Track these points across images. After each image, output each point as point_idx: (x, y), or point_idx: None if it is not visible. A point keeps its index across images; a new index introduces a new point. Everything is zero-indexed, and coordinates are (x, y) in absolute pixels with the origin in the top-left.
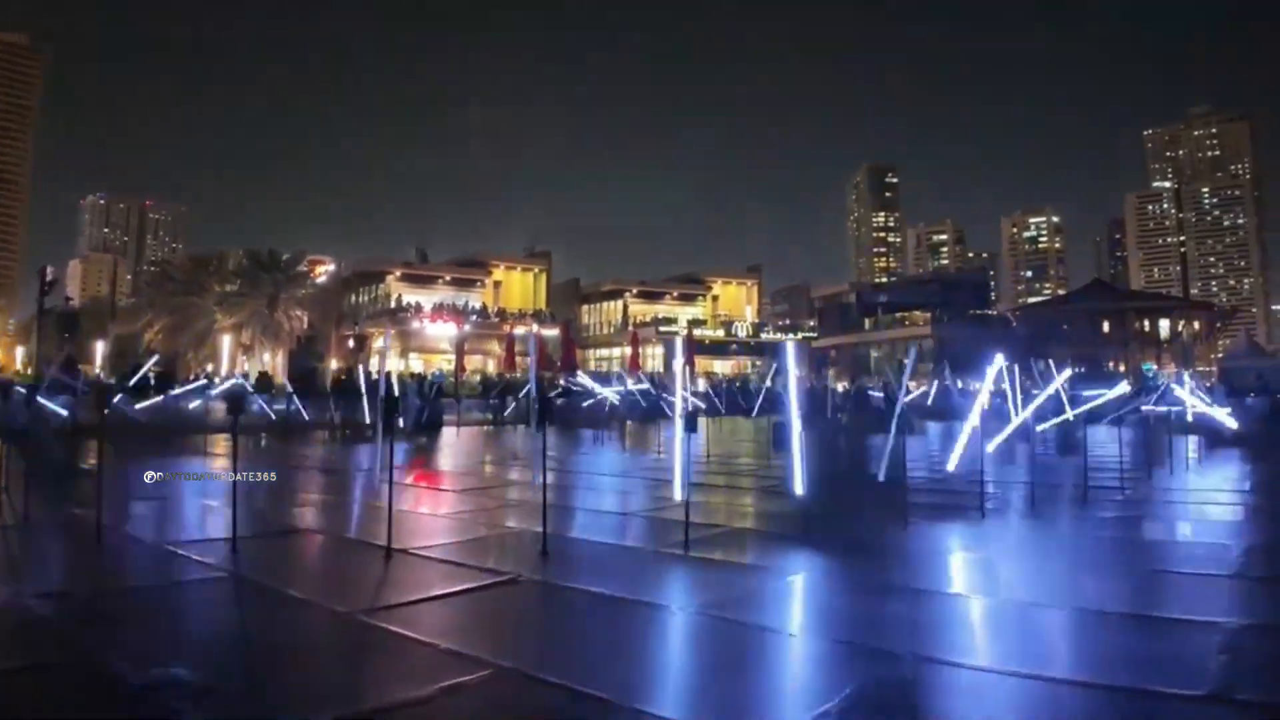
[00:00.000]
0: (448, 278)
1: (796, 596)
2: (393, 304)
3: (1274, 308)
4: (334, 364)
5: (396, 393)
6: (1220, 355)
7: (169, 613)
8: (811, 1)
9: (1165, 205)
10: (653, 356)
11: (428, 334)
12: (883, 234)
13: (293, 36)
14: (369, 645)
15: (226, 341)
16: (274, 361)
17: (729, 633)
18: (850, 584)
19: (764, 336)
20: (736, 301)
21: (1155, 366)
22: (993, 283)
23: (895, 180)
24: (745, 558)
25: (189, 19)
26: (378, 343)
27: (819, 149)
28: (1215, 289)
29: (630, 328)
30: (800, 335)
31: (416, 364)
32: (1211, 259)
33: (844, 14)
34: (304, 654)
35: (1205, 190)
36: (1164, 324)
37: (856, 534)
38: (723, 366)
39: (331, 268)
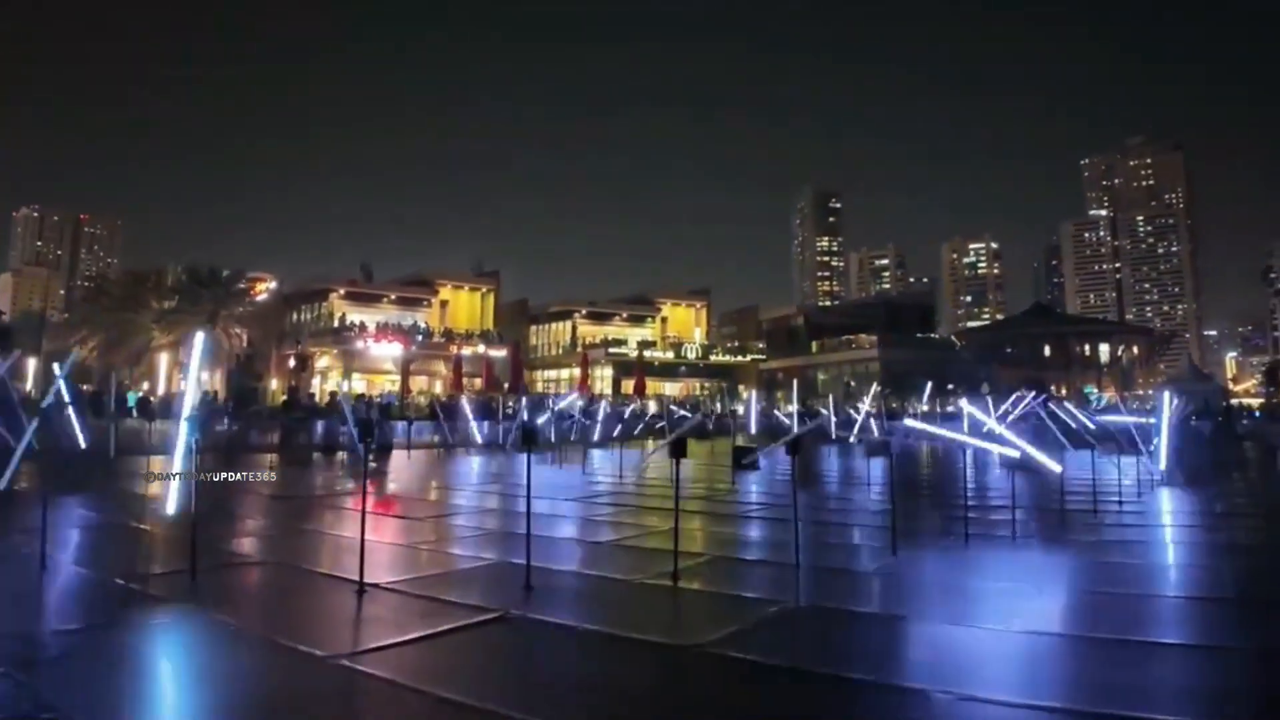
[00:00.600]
0: (393, 296)
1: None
2: (336, 323)
3: (1206, 333)
4: (274, 383)
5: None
6: (1162, 379)
7: (123, 659)
8: (756, 30)
9: (1101, 233)
10: (601, 378)
11: (372, 354)
12: (826, 258)
13: (232, 50)
14: (356, 695)
15: (164, 360)
16: (212, 381)
17: (737, 671)
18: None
19: (714, 358)
20: (686, 323)
21: (1096, 389)
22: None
23: (839, 205)
24: (734, 588)
25: (125, 30)
26: (320, 362)
27: (765, 174)
28: (1150, 315)
29: (579, 349)
30: (749, 357)
31: (360, 385)
32: (1146, 285)
33: (788, 42)
34: (284, 708)
35: (1140, 218)
36: (1104, 348)
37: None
38: (671, 388)
39: (273, 285)
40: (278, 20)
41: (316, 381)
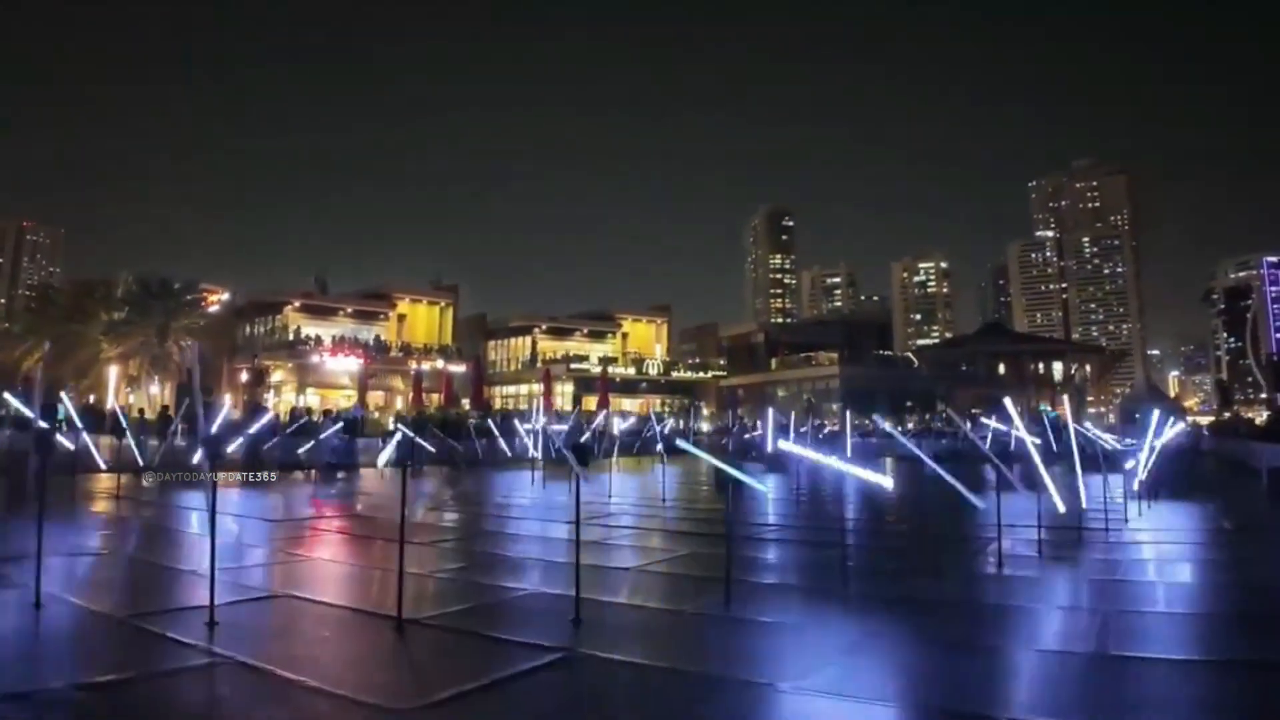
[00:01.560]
0: (349, 310)
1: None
2: (291, 336)
3: (1150, 352)
4: (227, 398)
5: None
6: (1119, 396)
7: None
8: (713, 50)
9: (1048, 253)
10: (562, 394)
11: (327, 368)
12: (779, 275)
13: (179, 55)
14: None
15: (113, 372)
16: (161, 394)
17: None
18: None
19: (675, 375)
20: (646, 339)
21: (1049, 407)
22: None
23: (791, 224)
24: (790, 616)
25: (68, 34)
26: (274, 376)
27: (718, 192)
28: (1095, 334)
29: (539, 365)
30: (710, 374)
31: (314, 399)
32: (1092, 305)
33: (745, 63)
34: None
35: (1086, 240)
36: (1057, 366)
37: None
38: (631, 404)
39: (226, 297)
40: (226, 26)
41: (270, 396)
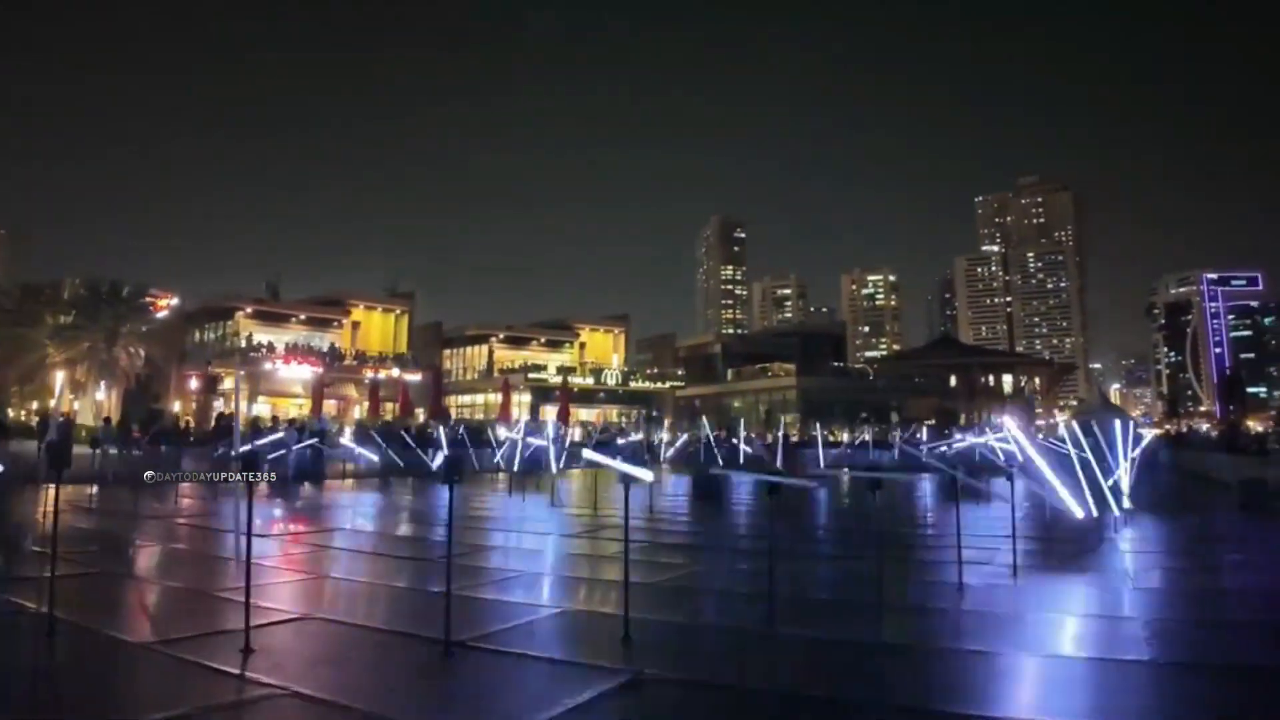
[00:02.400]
0: (302, 316)
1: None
2: (243, 343)
3: (1093, 365)
4: (176, 405)
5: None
6: (1066, 409)
7: None
8: (666, 62)
9: (994, 268)
10: (519, 404)
11: (281, 376)
12: (730, 286)
13: (127, 51)
14: None
15: (61, 378)
16: (108, 400)
17: None
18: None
19: (633, 385)
20: (604, 349)
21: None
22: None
23: (743, 235)
24: (835, 631)
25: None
26: (225, 384)
27: (671, 203)
28: (1039, 347)
29: (496, 374)
30: (669, 384)
31: (264, 408)
32: (1036, 319)
33: (696, 75)
34: None
35: (1031, 255)
36: (1007, 379)
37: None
38: (589, 414)
39: (175, 302)
40: (174, 25)
41: (219, 404)
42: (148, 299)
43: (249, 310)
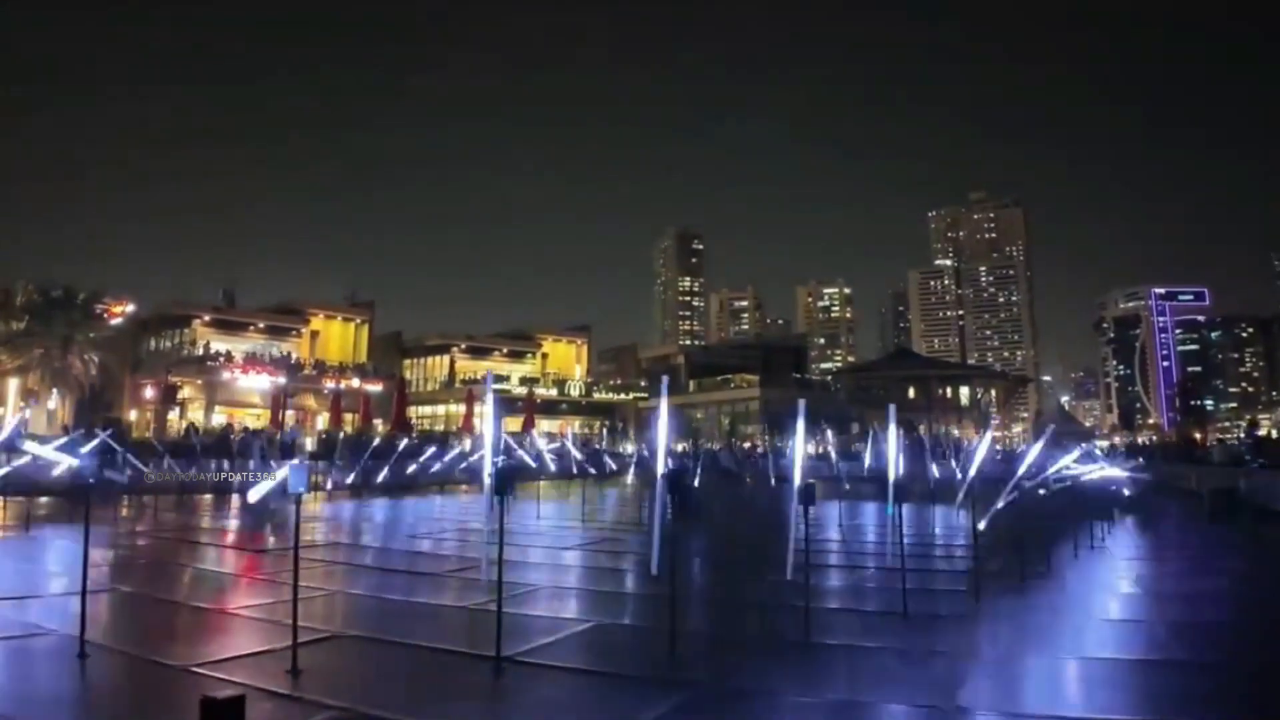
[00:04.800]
0: (261, 325)
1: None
2: (200, 351)
3: (1043, 378)
4: (133, 414)
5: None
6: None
7: None
8: (627, 73)
9: (946, 281)
10: (480, 415)
11: (239, 386)
12: (688, 298)
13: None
14: None
15: (13, 386)
16: (61, 409)
17: None
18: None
19: (596, 396)
20: (567, 360)
21: (957, 430)
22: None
23: (700, 247)
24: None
25: None
26: (183, 392)
27: (628, 213)
28: (991, 359)
29: (459, 384)
30: (631, 395)
31: (219, 418)
32: (988, 332)
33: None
34: None
35: (983, 269)
36: (964, 391)
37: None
38: (550, 425)
39: (131, 309)
40: (128, 27)
41: (175, 414)
42: (102, 305)
43: (206, 318)
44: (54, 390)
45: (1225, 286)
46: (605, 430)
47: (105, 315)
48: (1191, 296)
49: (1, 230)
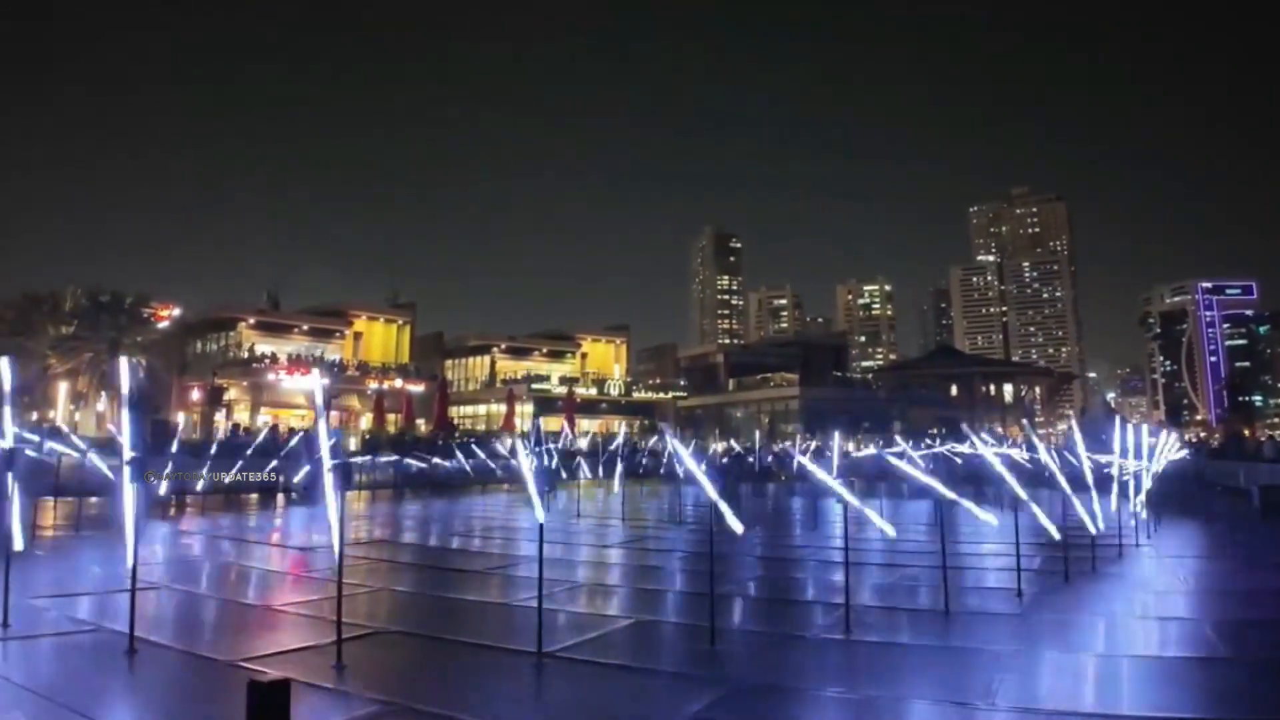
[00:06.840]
0: (304, 327)
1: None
2: (245, 354)
3: (1088, 375)
4: (181, 417)
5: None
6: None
7: None
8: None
9: (989, 277)
10: (522, 414)
11: (283, 387)
12: (726, 297)
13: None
14: None
15: (64, 389)
16: (109, 411)
17: None
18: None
19: (635, 395)
20: (605, 359)
21: (1000, 428)
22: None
23: (739, 245)
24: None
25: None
26: (229, 394)
27: (667, 214)
28: (1035, 356)
29: (499, 384)
30: (670, 395)
31: (265, 418)
32: (1031, 329)
33: (691, 84)
34: None
35: (1026, 264)
36: (1008, 388)
37: None
38: (590, 425)
39: (178, 313)
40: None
41: (222, 415)
42: (149, 309)
43: (252, 321)
44: (102, 393)
45: (1274, 279)
46: (650, 430)
47: (152, 319)
48: (1239, 290)
49: (52, 236)
